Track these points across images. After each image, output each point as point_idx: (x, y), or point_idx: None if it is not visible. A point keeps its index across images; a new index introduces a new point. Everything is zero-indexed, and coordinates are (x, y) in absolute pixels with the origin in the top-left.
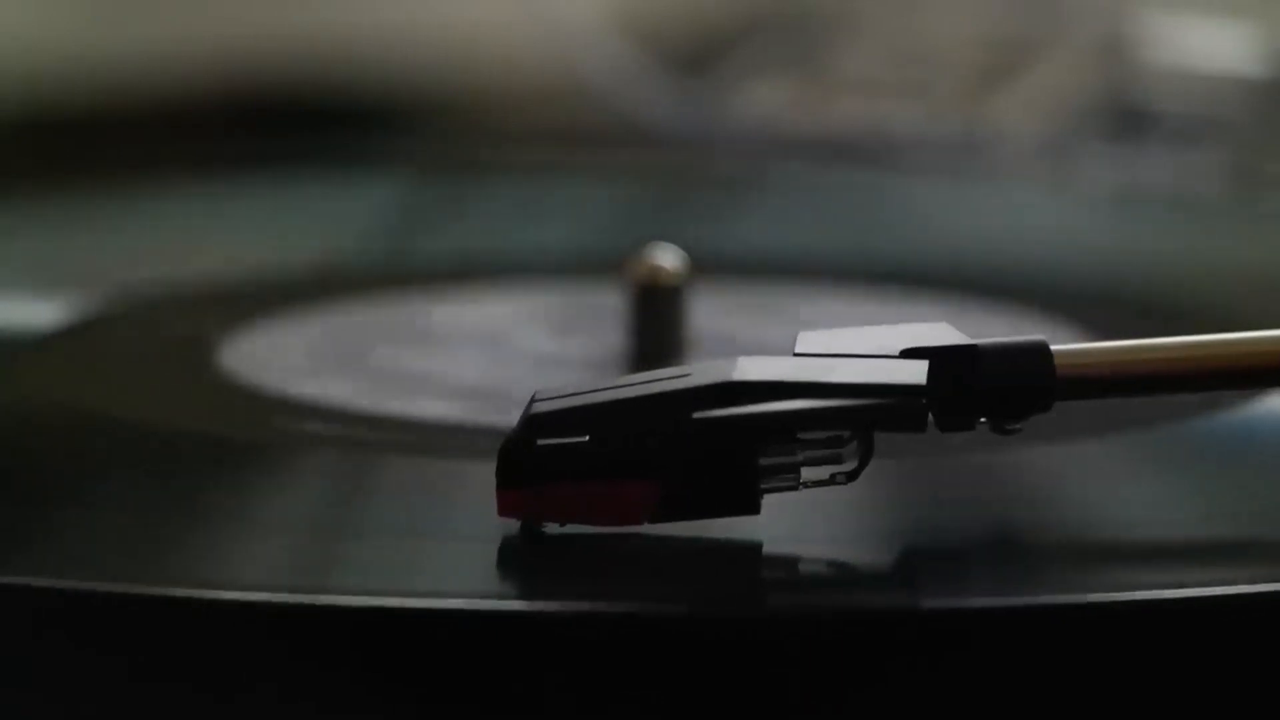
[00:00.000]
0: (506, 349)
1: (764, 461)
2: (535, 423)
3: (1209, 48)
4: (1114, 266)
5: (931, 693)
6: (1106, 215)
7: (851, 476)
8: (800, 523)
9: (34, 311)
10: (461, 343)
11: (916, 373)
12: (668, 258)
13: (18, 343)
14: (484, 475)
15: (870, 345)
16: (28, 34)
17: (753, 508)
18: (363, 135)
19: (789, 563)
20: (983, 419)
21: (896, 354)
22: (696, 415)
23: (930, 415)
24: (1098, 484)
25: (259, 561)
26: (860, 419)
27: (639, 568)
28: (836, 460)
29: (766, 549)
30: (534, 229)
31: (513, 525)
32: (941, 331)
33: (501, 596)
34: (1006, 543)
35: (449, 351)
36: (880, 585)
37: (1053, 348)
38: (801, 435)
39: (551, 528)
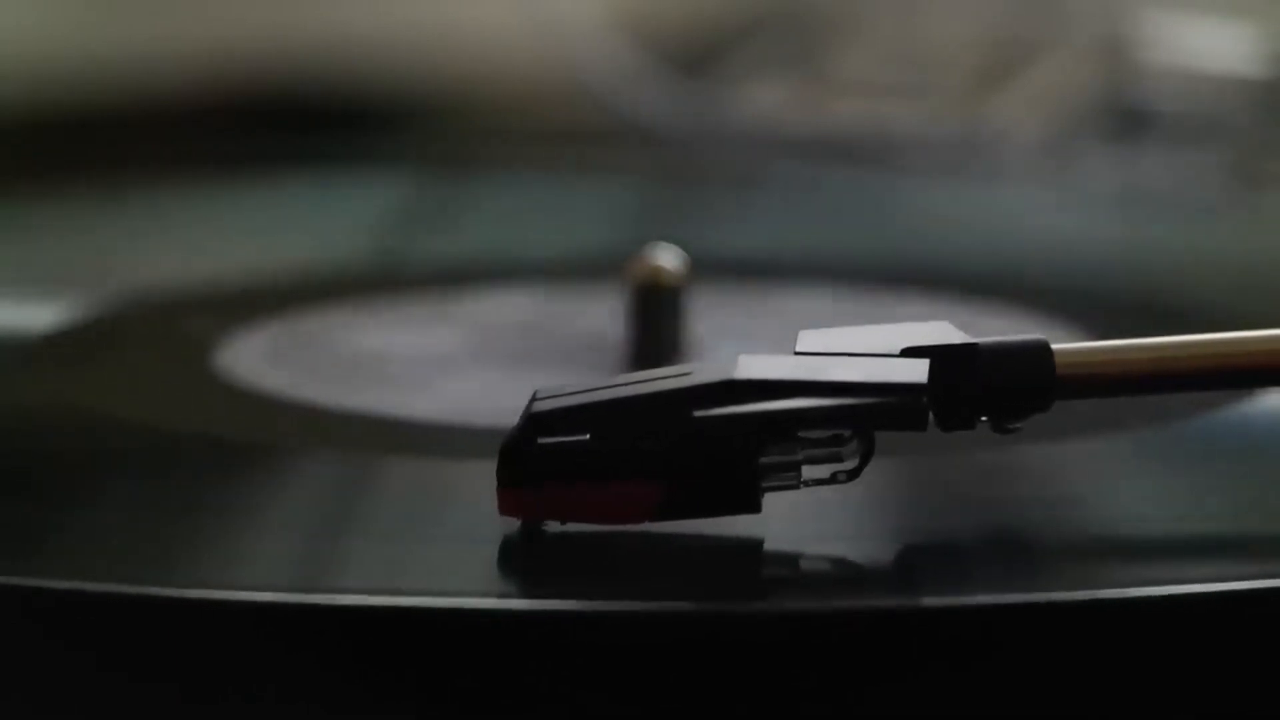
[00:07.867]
0: (506, 349)
1: (765, 460)
2: (536, 421)
3: (1209, 48)
4: (1114, 266)
5: (932, 691)
6: (1106, 215)
7: (852, 475)
8: (801, 521)
9: (34, 311)
10: (461, 343)
11: (917, 371)
12: (668, 258)
13: (18, 343)
14: (484, 475)
15: (870, 344)
16: (28, 34)
17: (753, 506)
18: (362, 135)
19: (790, 561)
20: (983, 418)
21: (897, 353)
22: (697, 414)
23: (931, 414)
24: (1098, 483)
25: (259, 561)
26: (861, 418)
27: (639, 567)
28: (837, 459)
29: (767, 547)
30: (534, 229)
31: (513, 525)
32: (942, 330)
33: (501, 596)
34: (1007, 541)
35: (448, 351)
36: (881, 583)
37: (1053, 347)
38: (802, 434)
39: (551, 527)
